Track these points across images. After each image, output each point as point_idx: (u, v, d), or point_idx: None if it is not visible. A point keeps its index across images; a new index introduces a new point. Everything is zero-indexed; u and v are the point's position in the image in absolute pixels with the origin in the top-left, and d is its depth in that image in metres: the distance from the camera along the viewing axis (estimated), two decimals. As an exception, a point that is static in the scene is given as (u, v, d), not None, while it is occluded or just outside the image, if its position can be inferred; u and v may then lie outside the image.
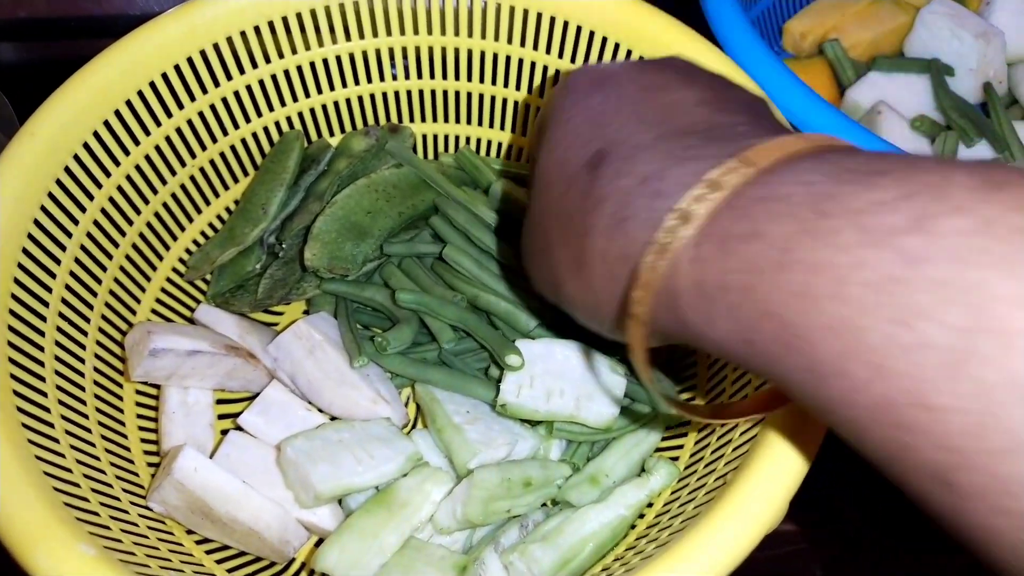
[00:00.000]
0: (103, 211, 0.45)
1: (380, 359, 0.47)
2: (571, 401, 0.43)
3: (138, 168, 0.47)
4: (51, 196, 0.42)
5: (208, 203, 0.52)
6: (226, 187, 0.53)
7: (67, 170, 0.43)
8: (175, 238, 0.51)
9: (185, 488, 0.39)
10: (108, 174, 0.45)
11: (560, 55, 0.50)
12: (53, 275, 0.42)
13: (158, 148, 0.48)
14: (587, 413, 0.43)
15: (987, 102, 0.59)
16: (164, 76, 0.46)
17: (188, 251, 0.52)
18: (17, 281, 0.39)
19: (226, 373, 0.45)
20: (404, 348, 0.48)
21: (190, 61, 0.47)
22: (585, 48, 0.49)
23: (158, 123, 0.47)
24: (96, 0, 0.54)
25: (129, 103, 0.45)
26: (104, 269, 0.46)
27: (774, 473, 0.33)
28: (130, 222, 0.47)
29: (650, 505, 0.43)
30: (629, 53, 0.47)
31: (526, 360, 0.44)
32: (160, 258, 0.50)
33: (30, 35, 0.56)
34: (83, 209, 0.44)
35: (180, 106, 0.48)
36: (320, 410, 0.46)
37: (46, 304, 0.41)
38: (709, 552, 0.32)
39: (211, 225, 0.53)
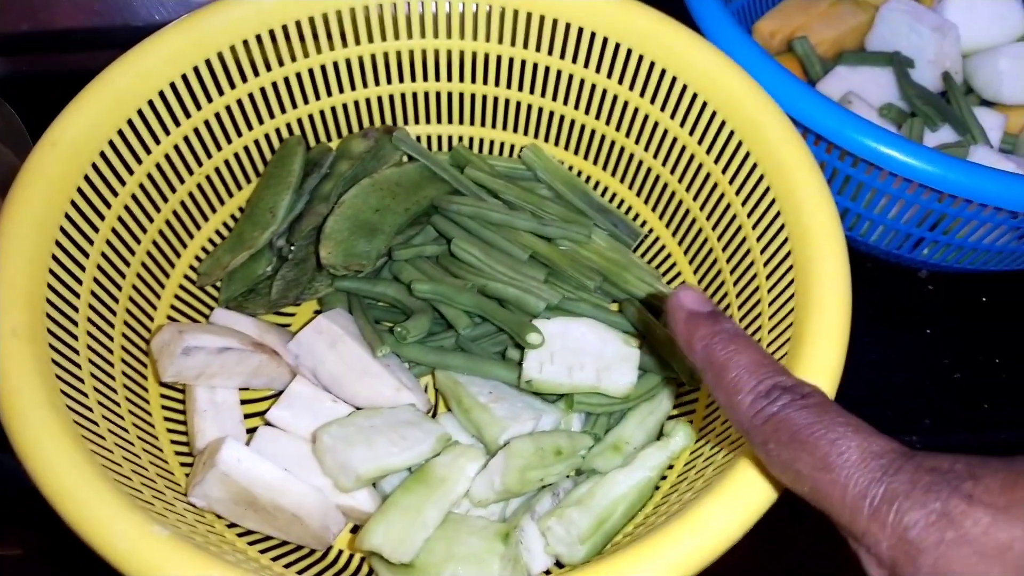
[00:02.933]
0: (119, 219, 0.46)
1: (400, 349, 0.49)
2: (592, 373, 0.46)
3: (150, 176, 0.48)
4: (73, 204, 0.43)
5: (214, 210, 0.53)
6: (230, 194, 0.54)
7: (86, 178, 0.43)
8: (185, 245, 0.52)
9: (230, 479, 0.40)
10: (123, 182, 0.46)
11: (550, 52, 0.52)
12: (80, 281, 0.42)
13: (167, 157, 0.49)
14: (608, 383, 0.46)
15: (947, 90, 0.64)
16: (172, 85, 0.47)
17: (198, 258, 0.53)
18: (51, 287, 0.40)
19: (252, 371, 0.46)
20: (422, 337, 0.49)
21: (196, 70, 0.48)
22: (574, 46, 0.51)
23: (167, 132, 0.48)
24: (98, 12, 0.54)
25: (141, 112, 0.46)
26: (123, 276, 0.46)
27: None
28: (144, 229, 0.48)
29: (671, 467, 0.45)
30: (618, 47, 0.50)
31: (545, 338, 0.46)
32: (172, 265, 0.51)
33: (34, 48, 0.56)
34: (102, 217, 0.45)
35: (187, 115, 0.49)
36: (344, 402, 0.47)
37: (76, 309, 0.42)
38: (745, 495, 0.34)
39: (218, 232, 0.54)
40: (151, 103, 0.46)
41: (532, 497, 0.45)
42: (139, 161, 0.47)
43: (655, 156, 0.53)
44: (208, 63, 0.48)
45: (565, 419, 0.48)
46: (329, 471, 0.43)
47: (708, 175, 0.49)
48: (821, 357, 0.37)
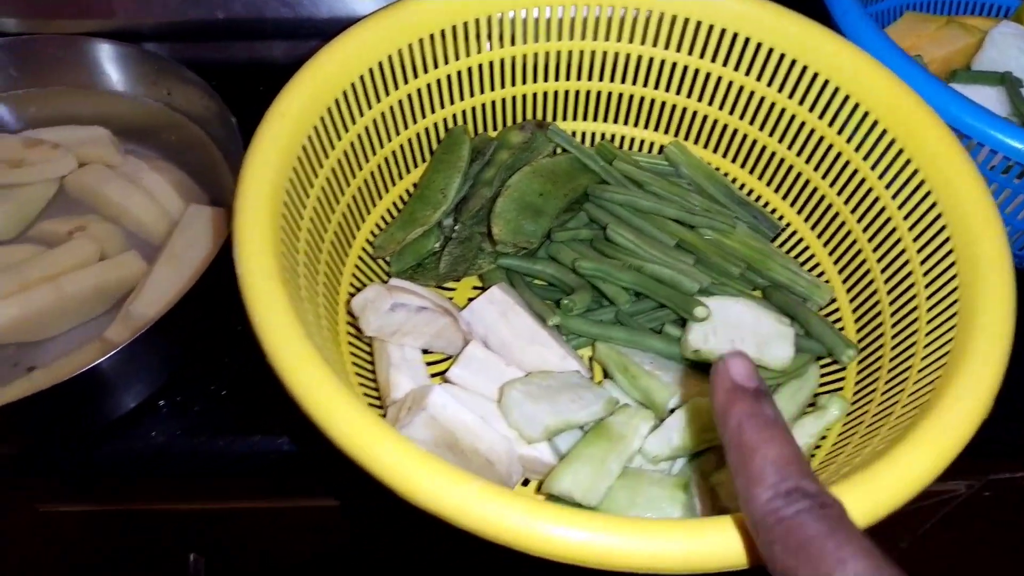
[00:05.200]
0: (322, 189, 0.50)
1: (566, 320, 0.53)
2: (753, 347, 0.49)
3: (345, 153, 0.52)
4: (294, 170, 0.47)
5: (387, 189, 0.58)
6: (400, 176, 0.59)
7: (303, 148, 0.48)
8: (363, 220, 0.56)
9: (436, 421, 0.44)
10: (327, 155, 0.50)
11: (689, 52, 0.56)
12: (298, 239, 0.47)
13: (359, 136, 0.53)
14: (769, 357, 0.49)
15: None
16: (370, 71, 0.52)
17: (372, 232, 0.57)
18: (282, 241, 0.44)
19: (436, 332, 0.50)
20: (582, 311, 0.53)
21: (390, 59, 0.52)
22: (727, 50, 0.56)
23: (361, 113, 0.53)
24: (288, 4, 0.59)
25: (344, 94, 0.51)
26: (323, 240, 0.51)
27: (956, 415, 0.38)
28: (337, 201, 0.53)
29: (823, 437, 0.49)
30: (771, 52, 0.54)
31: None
32: (353, 236, 0.55)
33: (228, 35, 0.61)
34: (311, 185, 0.49)
35: (378, 99, 0.53)
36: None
37: (297, 264, 0.46)
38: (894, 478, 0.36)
39: (388, 211, 0.58)
40: (353, 85, 0.51)
41: (698, 457, 0.48)
42: (339, 138, 0.51)
43: (798, 154, 0.57)
44: (400, 53, 0.53)
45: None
46: (515, 423, 0.47)
47: (856, 171, 0.53)
48: (980, 372, 0.40)
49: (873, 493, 0.35)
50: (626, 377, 0.50)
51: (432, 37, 0.54)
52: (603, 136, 0.63)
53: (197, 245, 0.53)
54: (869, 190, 0.53)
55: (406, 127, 0.57)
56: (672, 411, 0.48)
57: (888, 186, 0.51)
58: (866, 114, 0.52)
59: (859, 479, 0.35)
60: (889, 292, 0.51)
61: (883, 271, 0.52)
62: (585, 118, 0.63)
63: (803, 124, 0.55)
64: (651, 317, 0.54)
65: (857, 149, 0.53)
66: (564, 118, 0.63)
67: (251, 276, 0.40)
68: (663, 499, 0.44)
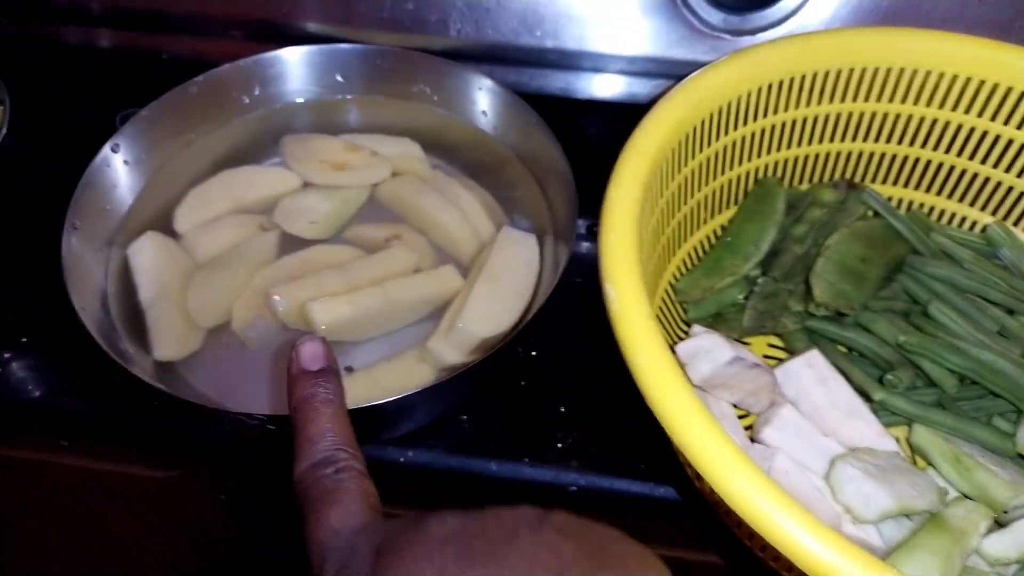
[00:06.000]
0: (652, 230, 0.50)
1: (889, 397, 0.50)
2: (1104, 454, 0.45)
3: (672, 194, 0.52)
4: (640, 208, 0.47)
5: (691, 234, 0.57)
6: (705, 221, 0.58)
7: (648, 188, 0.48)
8: (668, 262, 0.56)
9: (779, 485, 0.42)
10: (661, 195, 0.50)
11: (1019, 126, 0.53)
12: (639, 278, 0.46)
13: (686, 177, 0.53)
14: (1122, 467, 0.45)
15: None
16: (709, 116, 0.51)
17: (674, 275, 0.56)
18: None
19: (753, 390, 0.49)
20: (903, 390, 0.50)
21: (726, 106, 0.52)
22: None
23: (692, 156, 0.52)
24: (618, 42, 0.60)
25: (686, 136, 0.50)
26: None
27: None
28: (657, 241, 0.52)
29: None
30: None
31: (1057, 412, 0.46)
32: (659, 278, 0.55)
33: (549, 64, 0.62)
34: (647, 225, 0.49)
35: (708, 144, 0.53)
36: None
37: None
38: None
39: (688, 255, 0.58)
40: (694, 129, 0.51)
41: (1040, 567, 0.45)
42: (672, 178, 0.51)
43: None
44: (736, 100, 0.52)
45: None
46: (847, 500, 0.44)
47: None
48: None
49: None
50: (955, 468, 0.47)
51: (769, 87, 0.53)
52: (913, 204, 0.61)
53: (513, 269, 0.54)
54: None
55: (722, 173, 0.56)
56: (1010, 511, 0.45)
57: None
58: None
59: None
60: None
61: None
62: (895, 183, 0.60)
63: None
64: (975, 405, 0.51)
65: None
66: (873, 180, 0.60)
67: (631, 317, 0.39)
68: (1016, 608, 0.41)
